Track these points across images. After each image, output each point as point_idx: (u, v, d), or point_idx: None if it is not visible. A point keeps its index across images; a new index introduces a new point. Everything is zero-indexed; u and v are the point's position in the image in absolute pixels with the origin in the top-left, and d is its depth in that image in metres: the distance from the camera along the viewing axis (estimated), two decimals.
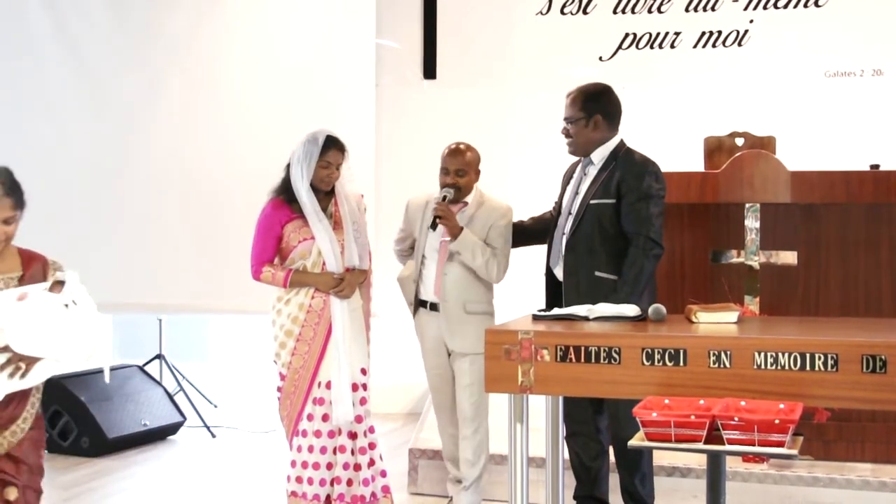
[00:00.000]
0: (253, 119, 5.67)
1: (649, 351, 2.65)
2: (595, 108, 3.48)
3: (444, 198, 3.66)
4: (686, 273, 4.12)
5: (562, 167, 3.74)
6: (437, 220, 3.63)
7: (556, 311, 3.12)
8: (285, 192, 3.62)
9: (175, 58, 5.77)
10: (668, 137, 5.28)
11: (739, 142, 4.31)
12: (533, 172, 5.45)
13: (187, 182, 5.68)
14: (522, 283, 4.12)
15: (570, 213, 3.50)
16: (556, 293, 3.52)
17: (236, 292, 4.98)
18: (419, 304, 3.82)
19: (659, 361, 2.64)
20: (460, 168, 3.71)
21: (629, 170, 3.41)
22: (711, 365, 2.60)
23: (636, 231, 3.35)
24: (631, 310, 3.01)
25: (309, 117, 5.20)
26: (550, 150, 4.44)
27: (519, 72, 5.75)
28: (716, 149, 4.32)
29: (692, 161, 4.49)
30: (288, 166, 3.63)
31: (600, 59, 5.62)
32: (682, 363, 2.62)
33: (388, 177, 5.76)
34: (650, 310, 2.98)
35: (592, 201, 3.43)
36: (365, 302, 3.74)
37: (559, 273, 3.51)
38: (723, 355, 2.60)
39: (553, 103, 4.02)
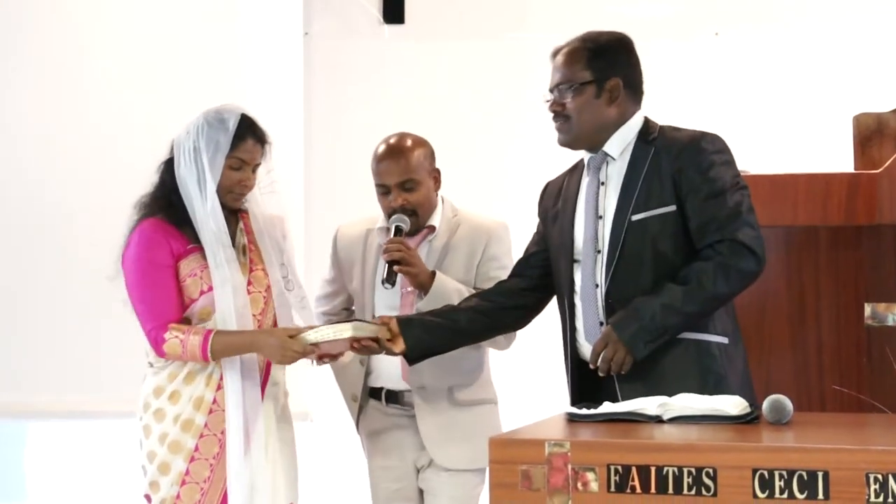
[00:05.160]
0: (116, 96, 5.71)
1: (765, 474, 2.64)
2: (610, 67, 3.52)
3: (399, 230, 3.70)
4: (825, 340, 4.09)
5: None
6: (394, 268, 3.64)
7: (607, 406, 3.11)
8: (168, 209, 3.62)
9: None
10: (786, 116, 5.29)
11: None
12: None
13: None
14: (533, 354, 4.11)
15: (597, 251, 3.49)
16: (593, 386, 3.48)
17: (78, 382, 4.95)
18: (369, 394, 3.87)
19: (783, 492, 2.63)
20: (406, 180, 3.76)
21: (684, 152, 3.43)
22: (873, 498, 2.59)
23: (715, 239, 3.36)
24: (734, 404, 3.01)
25: (191, 91, 5.20)
26: None
27: (542, 12, 5.81)
28: (874, 134, 4.31)
29: (831, 156, 4.52)
30: (167, 164, 3.64)
31: None
32: (821, 496, 2.62)
33: (323, 184, 5.79)
34: (766, 404, 2.99)
35: (635, 217, 3.42)
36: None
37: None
38: (893, 481, 2.58)
39: None
